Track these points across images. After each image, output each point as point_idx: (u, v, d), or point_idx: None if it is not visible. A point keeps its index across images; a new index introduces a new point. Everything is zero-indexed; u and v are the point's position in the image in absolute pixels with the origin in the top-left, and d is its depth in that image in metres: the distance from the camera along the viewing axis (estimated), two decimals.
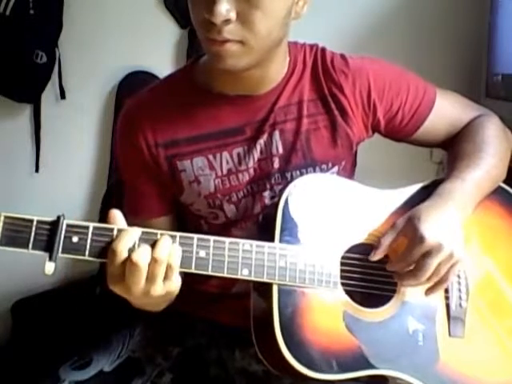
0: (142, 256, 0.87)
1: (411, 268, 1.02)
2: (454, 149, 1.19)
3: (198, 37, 1.02)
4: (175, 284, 0.93)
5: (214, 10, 0.93)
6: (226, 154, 1.13)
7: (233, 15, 0.95)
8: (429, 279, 1.01)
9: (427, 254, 0.99)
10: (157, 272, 0.89)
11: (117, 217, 0.92)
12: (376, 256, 1.05)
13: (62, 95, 2.09)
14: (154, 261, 0.88)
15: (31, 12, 1.97)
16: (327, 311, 1.02)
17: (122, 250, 0.88)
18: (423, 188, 1.15)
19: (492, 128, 1.19)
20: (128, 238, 0.89)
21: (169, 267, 0.90)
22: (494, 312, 1.12)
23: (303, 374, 0.97)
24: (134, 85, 2.07)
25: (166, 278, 0.90)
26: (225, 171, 1.13)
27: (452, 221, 1.03)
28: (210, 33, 0.97)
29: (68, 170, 2.18)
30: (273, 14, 0.98)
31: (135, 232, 0.90)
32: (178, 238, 0.93)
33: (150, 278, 0.89)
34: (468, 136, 1.18)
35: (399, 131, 1.21)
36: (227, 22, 0.95)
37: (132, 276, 0.88)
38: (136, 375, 1.15)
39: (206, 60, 1.14)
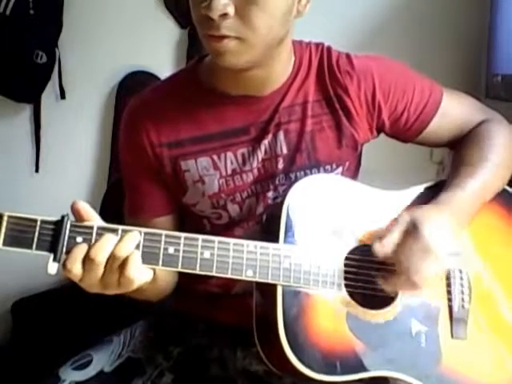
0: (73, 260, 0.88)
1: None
2: (459, 153, 1.18)
3: (199, 35, 1.02)
4: (133, 280, 0.90)
5: (212, 5, 0.94)
6: (230, 155, 1.12)
7: (230, 10, 0.95)
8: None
9: (426, 260, 1.00)
10: (94, 271, 0.88)
11: (85, 209, 0.90)
12: (382, 252, 1.01)
13: (62, 95, 2.10)
14: (88, 260, 0.87)
15: (31, 12, 1.97)
16: (330, 312, 1.02)
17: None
18: (427, 189, 1.15)
19: (500, 135, 1.17)
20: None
21: (114, 260, 0.88)
22: (495, 313, 1.12)
23: (306, 376, 0.97)
24: (134, 85, 2.08)
25: (106, 274, 0.89)
26: (229, 171, 1.13)
27: (445, 231, 1.03)
28: (209, 29, 0.97)
29: (68, 170, 2.18)
30: (271, 10, 0.98)
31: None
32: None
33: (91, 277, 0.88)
34: (475, 140, 1.17)
35: (404, 132, 1.20)
36: (225, 16, 0.95)
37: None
38: (136, 375, 1.14)
39: (210, 59, 1.13)
